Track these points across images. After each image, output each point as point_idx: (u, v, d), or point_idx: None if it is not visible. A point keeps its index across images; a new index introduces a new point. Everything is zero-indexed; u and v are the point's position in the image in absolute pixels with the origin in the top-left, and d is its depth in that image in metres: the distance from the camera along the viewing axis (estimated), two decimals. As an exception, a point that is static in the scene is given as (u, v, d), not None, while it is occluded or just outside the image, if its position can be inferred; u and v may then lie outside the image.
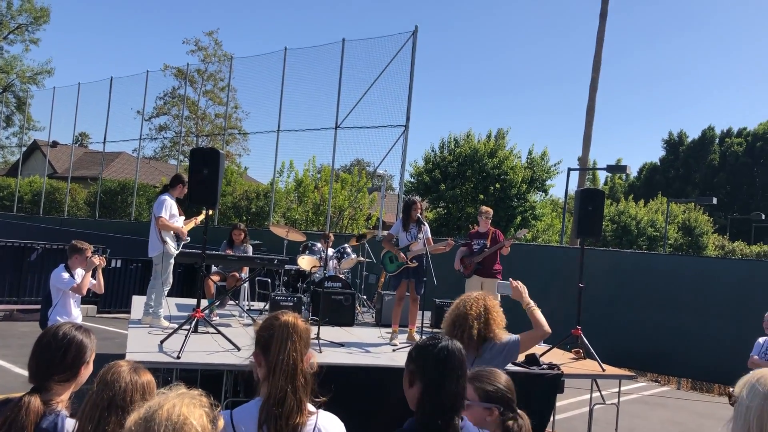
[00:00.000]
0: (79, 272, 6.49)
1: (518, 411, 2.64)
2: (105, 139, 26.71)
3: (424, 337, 2.22)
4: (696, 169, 56.30)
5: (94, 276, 6.70)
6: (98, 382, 2.15)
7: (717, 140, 57.96)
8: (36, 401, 2.32)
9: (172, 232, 7.63)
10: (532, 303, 4.00)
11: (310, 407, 2.29)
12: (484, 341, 3.66)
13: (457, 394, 2.21)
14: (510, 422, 2.58)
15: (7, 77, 47.87)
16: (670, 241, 33.15)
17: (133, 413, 1.80)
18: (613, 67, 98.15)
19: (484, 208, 9.29)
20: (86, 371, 2.51)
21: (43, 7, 47.06)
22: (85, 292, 6.55)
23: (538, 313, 3.97)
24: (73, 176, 30.92)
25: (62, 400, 2.39)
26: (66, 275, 6.40)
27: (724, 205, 49.18)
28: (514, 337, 3.84)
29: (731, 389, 9.18)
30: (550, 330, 3.94)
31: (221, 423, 1.86)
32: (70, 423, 2.39)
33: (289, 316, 2.36)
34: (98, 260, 6.52)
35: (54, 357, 2.41)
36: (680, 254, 27.87)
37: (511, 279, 4.14)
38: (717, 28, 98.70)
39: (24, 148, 40.80)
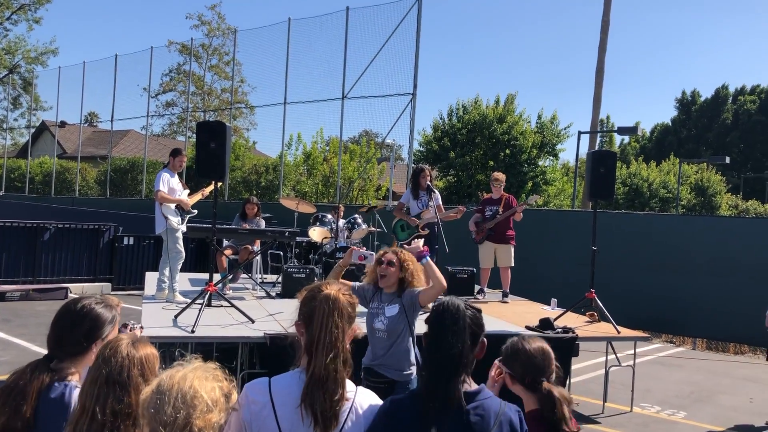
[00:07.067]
0: None
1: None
2: (113, 117, 26.76)
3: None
4: (709, 128, 55.49)
5: None
6: (96, 358, 2.13)
7: (731, 99, 56.92)
8: (42, 367, 2.31)
9: (173, 208, 7.59)
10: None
11: (350, 384, 2.24)
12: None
13: (454, 353, 2.15)
14: (541, 385, 2.56)
15: (12, 58, 47.78)
16: (682, 202, 32.86)
17: (147, 386, 1.82)
18: (624, 28, 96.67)
19: (496, 174, 9.24)
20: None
21: None
22: None
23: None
24: (82, 156, 30.99)
25: (75, 372, 2.37)
26: None
27: (737, 165, 48.50)
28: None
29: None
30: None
31: (235, 396, 1.86)
32: None
33: (331, 290, 2.26)
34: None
35: (65, 327, 2.39)
36: (693, 215, 27.67)
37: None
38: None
39: (32, 129, 40.91)
